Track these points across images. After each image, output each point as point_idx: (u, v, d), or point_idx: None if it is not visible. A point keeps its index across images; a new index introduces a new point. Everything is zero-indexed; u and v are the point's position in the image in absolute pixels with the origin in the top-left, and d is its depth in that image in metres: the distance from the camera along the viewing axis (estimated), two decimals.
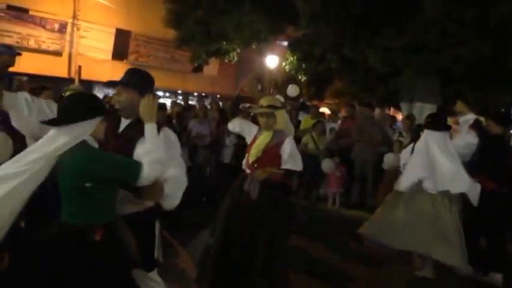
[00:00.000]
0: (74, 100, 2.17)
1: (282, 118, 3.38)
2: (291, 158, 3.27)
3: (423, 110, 8.29)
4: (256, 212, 3.26)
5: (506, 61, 7.58)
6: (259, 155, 3.31)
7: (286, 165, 3.29)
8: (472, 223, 4.20)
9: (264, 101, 3.41)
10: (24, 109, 2.19)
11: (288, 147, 3.27)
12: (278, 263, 3.27)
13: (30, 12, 14.55)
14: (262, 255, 3.20)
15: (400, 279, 4.24)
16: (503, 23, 6.55)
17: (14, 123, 2.19)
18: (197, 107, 8.56)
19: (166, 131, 2.39)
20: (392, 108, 15.17)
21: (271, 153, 3.29)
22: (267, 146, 3.31)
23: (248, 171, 3.39)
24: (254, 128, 3.56)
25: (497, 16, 6.51)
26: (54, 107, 2.36)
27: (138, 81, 2.31)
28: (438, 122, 4.22)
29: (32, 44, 14.55)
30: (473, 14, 6.68)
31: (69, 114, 2.03)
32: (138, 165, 2.09)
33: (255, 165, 3.34)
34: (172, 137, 2.42)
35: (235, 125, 3.66)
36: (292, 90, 10.65)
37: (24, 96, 2.21)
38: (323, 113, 10.69)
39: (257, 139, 3.42)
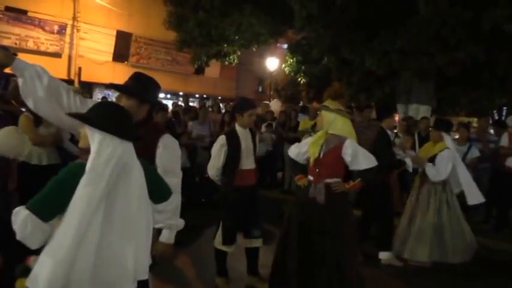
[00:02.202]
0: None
1: (328, 119, 3.32)
2: (356, 158, 3.22)
3: (418, 111, 8.44)
4: (324, 218, 3.18)
5: (498, 64, 7.73)
6: (316, 156, 3.29)
7: (353, 166, 3.26)
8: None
9: None
10: (35, 79, 2.05)
11: (350, 149, 3.21)
12: (348, 271, 3.15)
13: (29, 14, 14.55)
14: (332, 262, 3.12)
15: (398, 277, 4.30)
16: (495, 27, 6.65)
17: (20, 91, 2.05)
18: (197, 108, 8.59)
19: (166, 140, 2.27)
20: None
21: (332, 156, 3.26)
22: (327, 150, 3.28)
23: (311, 177, 3.34)
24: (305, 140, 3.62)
25: (489, 20, 6.61)
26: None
27: (139, 90, 2.19)
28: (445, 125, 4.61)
29: (30, 45, 14.54)
30: (467, 18, 6.80)
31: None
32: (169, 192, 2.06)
33: (317, 169, 3.30)
34: (171, 143, 2.30)
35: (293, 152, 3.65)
36: (274, 105, 11.65)
37: (35, 68, 2.07)
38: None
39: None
